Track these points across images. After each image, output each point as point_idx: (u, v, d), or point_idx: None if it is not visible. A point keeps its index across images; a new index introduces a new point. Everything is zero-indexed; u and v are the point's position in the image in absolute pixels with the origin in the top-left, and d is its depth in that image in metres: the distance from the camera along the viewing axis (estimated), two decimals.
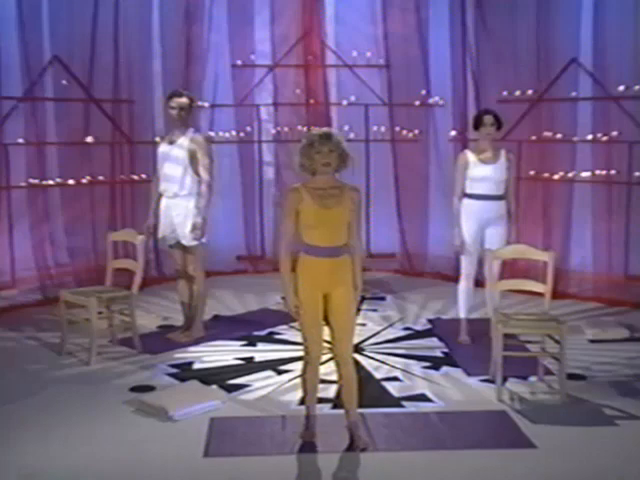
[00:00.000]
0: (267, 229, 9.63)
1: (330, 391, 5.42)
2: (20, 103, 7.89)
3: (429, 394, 5.48)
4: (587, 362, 6.05)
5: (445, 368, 6.02)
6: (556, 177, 8.21)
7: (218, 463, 4.49)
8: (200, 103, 8.71)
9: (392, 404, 5.31)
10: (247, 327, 7.10)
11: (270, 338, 6.86)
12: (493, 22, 8.48)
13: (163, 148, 6.61)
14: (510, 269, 7.32)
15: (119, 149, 8.66)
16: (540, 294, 5.68)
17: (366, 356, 6.26)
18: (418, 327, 7.17)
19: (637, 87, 7.62)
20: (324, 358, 6.00)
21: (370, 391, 5.40)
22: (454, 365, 6.07)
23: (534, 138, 8.32)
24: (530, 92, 8.28)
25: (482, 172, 6.36)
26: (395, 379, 5.78)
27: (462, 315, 6.64)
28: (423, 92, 9.14)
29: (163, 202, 6.63)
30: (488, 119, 6.35)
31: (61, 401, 5.36)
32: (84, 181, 8.33)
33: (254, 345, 6.65)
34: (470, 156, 6.43)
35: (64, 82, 8.13)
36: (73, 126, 8.29)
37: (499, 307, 5.78)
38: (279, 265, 4.49)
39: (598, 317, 7.33)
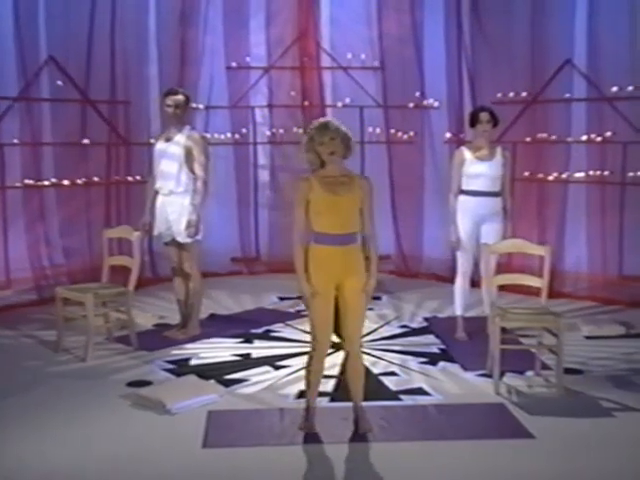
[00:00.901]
0: (262, 231, 9.66)
1: (328, 385, 5.42)
2: (15, 103, 7.90)
3: (426, 388, 5.50)
4: (583, 357, 6.08)
5: (442, 363, 6.04)
6: (550, 178, 8.26)
7: (217, 454, 4.49)
8: (195, 105, 8.75)
9: (390, 397, 5.33)
10: (243, 325, 7.11)
11: (267, 336, 6.87)
12: (488, 23, 8.53)
13: (160, 145, 6.63)
14: (505, 269, 7.34)
15: (115, 150, 8.67)
16: (536, 294, 5.72)
17: (363, 352, 6.24)
18: (414, 325, 7.20)
19: (631, 88, 7.68)
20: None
21: (367, 385, 5.34)
22: (451, 360, 6.09)
23: (529, 139, 8.36)
24: (524, 94, 8.33)
25: (478, 169, 6.41)
26: (392, 374, 5.79)
27: (458, 312, 6.67)
28: (418, 94, 9.18)
29: (159, 199, 6.64)
30: (484, 116, 6.40)
31: (58, 396, 5.35)
32: (79, 182, 8.33)
33: (251, 342, 6.66)
34: (466, 153, 6.48)
35: (59, 83, 8.15)
36: (69, 127, 8.30)
37: (496, 302, 5.80)
38: (292, 256, 4.49)
39: (593, 315, 7.37)
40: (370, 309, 7.64)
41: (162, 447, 4.57)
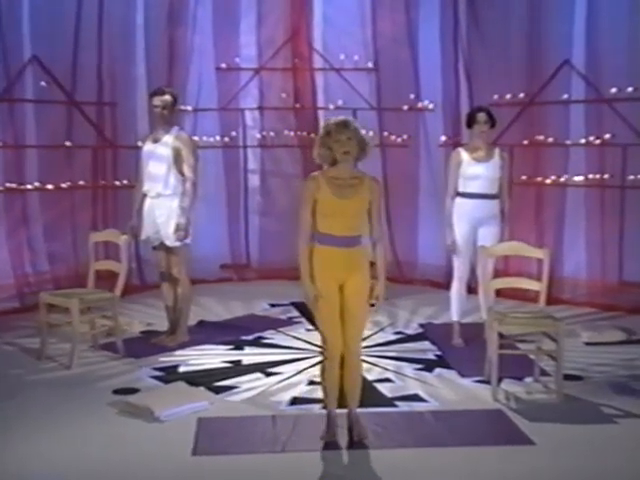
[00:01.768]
0: (252, 237, 9.67)
1: (320, 392, 5.40)
2: None
3: (422, 394, 5.52)
4: (583, 364, 6.11)
5: (438, 370, 6.06)
6: (548, 181, 8.31)
7: (207, 462, 4.49)
8: (183, 107, 8.76)
9: (385, 404, 5.33)
10: (234, 332, 7.11)
11: (258, 342, 6.88)
12: (484, 23, 8.59)
13: (147, 147, 6.65)
14: (503, 275, 7.36)
15: (101, 153, 8.68)
16: (533, 300, 5.75)
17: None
18: (409, 331, 7.22)
19: (630, 89, 7.73)
20: (314, 360, 6.12)
21: (362, 392, 5.39)
22: (447, 367, 6.11)
23: (526, 142, 8.41)
24: (522, 95, 8.38)
25: (475, 170, 6.44)
26: (387, 380, 5.81)
27: (455, 318, 6.69)
28: (412, 96, 9.22)
29: (147, 202, 6.64)
30: (482, 116, 6.44)
31: (42, 405, 5.33)
32: (64, 186, 8.33)
33: (241, 349, 6.66)
34: (463, 154, 6.51)
35: (43, 83, 8.15)
36: (53, 129, 8.30)
37: (493, 307, 5.82)
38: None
39: (593, 322, 7.40)
40: None
41: (151, 455, 4.56)
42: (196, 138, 8.96)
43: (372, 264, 4.58)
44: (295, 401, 5.37)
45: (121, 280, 6.36)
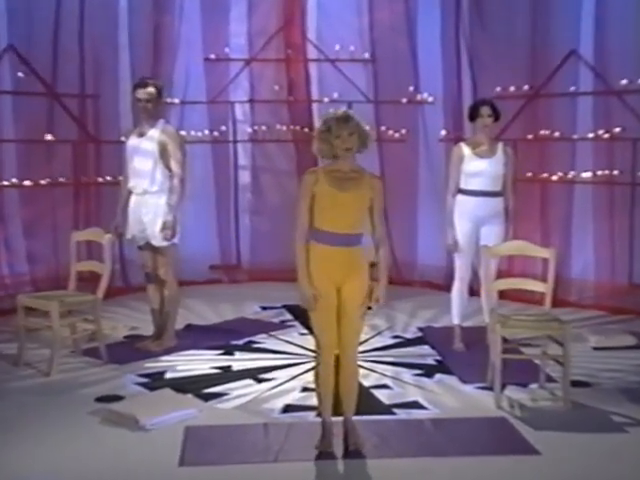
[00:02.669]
0: (243, 237, 9.67)
1: (314, 399, 5.39)
2: None
3: (422, 401, 5.51)
4: (591, 369, 6.11)
5: (438, 375, 6.06)
6: (554, 178, 8.31)
7: (195, 473, 4.47)
8: (170, 100, 8.75)
9: (383, 411, 5.33)
10: (223, 336, 7.11)
11: (249, 347, 6.87)
12: (487, 11, 8.60)
13: (132, 141, 6.63)
14: (506, 276, 7.35)
15: (83, 148, 8.65)
16: (539, 302, 5.75)
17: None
18: (408, 335, 7.23)
19: None
20: (308, 366, 6.11)
21: (358, 398, 5.37)
22: (448, 372, 6.11)
23: (530, 137, 8.41)
24: (526, 87, 8.38)
25: (478, 166, 6.44)
26: (385, 386, 5.80)
27: (456, 321, 6.69)
28: (411, 88, 9.21)
29: (132, 200, 6.63)
30: (485, 110, 6.44)
31: (19, 413, 5.30)
32: (43, 182, 8.30)
33: (231, 354, 6.65)
34: (465, 149, 6.51)
35: (20, 74, 8.12)
36: (32, 122, 8.28)
37: (496, 309, 5.82)
38: (294, 252, 4.47)
39: (601, 325, 7.41)
40: None
41: (135, 466, 4.54)
42: (183, 132, 8.94)
43: (372, 265, 4.56)
44: (288, 409, 5.36)
45: (104, 282, 6.34)
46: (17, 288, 8.00)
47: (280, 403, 5.44)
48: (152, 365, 6.30)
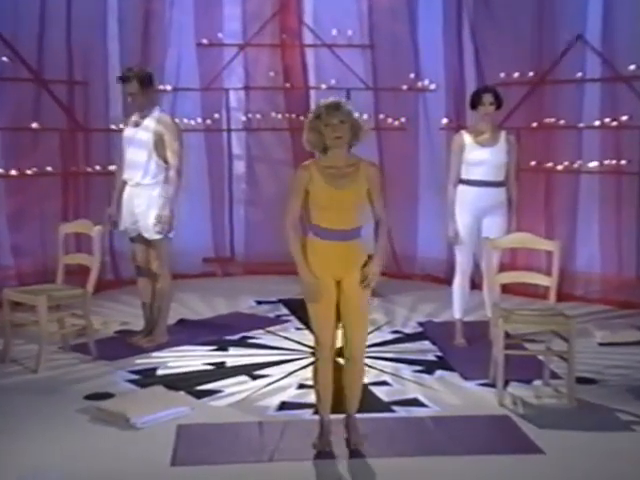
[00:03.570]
0: (237, 229, 9.68)
1: (311, 397, 5.42)
2: None
3: (422, 398, 5.52)
4: (597, 365, 6.13)
5: (439, 372, 6.08)
6: (560, 168, 8.31)
7: (187, 472, 4.49)
8: (162, 87, 8.74)
9: (381, 409, 5.34)
10: (217, 331, 7.12)
11: (243, 343, 6.89)
12: None
13: (128, 132, 6.62)
14: (509, 269, 7.36)
15: (71, 137, 8.64)
16: (543, 296, 5.76)
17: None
18: (408, 330, 7.24)
19: None
20: (305, 362, 6.13)
21: None
22: (449, 369, 6.13)
23: (535, 125, 8.42)
24: (531, 73, 8.38)
25: (479, 155, 6.45)
26: (384, 383, 5.82)
27: (457, 315, 6.71)
28: (412, 75, 9.21)
29: (126, 191, 6.62)
30: (487, 97, 6.45)
31: (5, 411, 5.30)
32: (29, 172, 8.30)
33: (225, 350, 6.67)
34: (466, 137, 6.52)
35: (4, 59, 8.11)
36: (18, 109, 8.28)
37: (499, 303, 5.83)
38: (288, 245, 4.48)
39: (607, 320, 7.43)
40: None
41: (126, 466, 4.55)
42: (176, 120, 8.94)
43: (371, 257, 4.58)
44: (284, 406, 5.38)
45: (93, 274, 6.34)
46: (3, 282, 7.98)
47: (276, 400, 5.45)
48: (143, 361, 6.32)
